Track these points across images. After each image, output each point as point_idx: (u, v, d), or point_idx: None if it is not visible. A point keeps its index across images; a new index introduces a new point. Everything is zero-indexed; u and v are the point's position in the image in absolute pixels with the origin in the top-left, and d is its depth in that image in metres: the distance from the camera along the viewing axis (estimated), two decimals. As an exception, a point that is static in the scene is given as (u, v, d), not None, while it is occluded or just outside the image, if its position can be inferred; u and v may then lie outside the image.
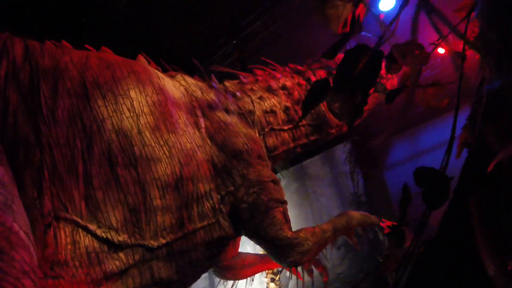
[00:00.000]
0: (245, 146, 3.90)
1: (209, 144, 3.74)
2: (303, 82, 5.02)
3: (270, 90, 4.73)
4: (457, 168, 1.76)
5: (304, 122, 4.71)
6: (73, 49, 3.41)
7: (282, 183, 5.28)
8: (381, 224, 3.99)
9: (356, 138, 7.92)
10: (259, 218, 3.70)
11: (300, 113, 4.65)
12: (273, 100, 4.64)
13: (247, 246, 4.42)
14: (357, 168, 7.91)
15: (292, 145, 4.64)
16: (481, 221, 1.39)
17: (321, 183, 8.16)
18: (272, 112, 4.56)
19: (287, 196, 4.57)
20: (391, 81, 5.09)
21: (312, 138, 4.78)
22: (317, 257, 4.26)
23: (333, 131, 4.92)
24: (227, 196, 3.67)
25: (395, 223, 1.62)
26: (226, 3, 6.42)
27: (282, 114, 4.62)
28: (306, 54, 7.08)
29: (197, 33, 6.82)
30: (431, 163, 1.68)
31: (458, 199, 1.63)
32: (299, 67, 5.18)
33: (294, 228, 4.09)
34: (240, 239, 4.15)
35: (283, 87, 4.83)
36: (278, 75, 4.95)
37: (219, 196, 3.62)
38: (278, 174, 7.29)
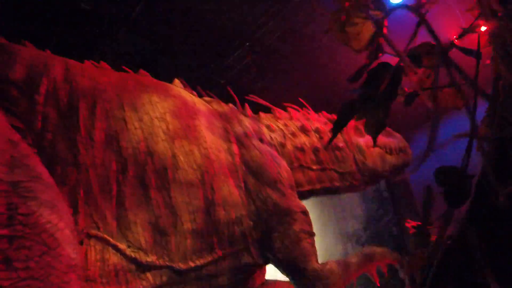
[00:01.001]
0: (279, 175, 3.99)
1: (244, 171, 3.79)
2: None
3: (303, 129, 4.95)
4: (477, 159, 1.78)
5: (331, 166, 4.90)
6: (112, 71, 3.52)
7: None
8: (406, 224, 4.05)
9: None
10: (289, 248, 3.74)
11: (327, 156, 4.92)
12: (304, 139, 4.85)
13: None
14: (378, 164, 7.88)
15: (318, 186, 4.78)
16: (483, 244, 1.43)
17: (342, 180, 8.14)
18: (302, 150, 4.75)
19: (308, 195, 4.69)
20: None
21: (336, 184, 4.93)
22: None
23: (357, 183, 5.08)
24: (260, 224, 3.71)
25: (420, 223, 1.66)
26: (238, 5, 6.46)
27: (311, 154, 4.80)
28: (320, 51, 7.13)
29: (210, 37, 6.87)
30: (451, 156, 1.70)
31: (479, 197, 1.65)
32: (335, 116, 5.36)
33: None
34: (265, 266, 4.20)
35: (316, 130, 5.06)
36: (312, 118, 5.24)
37: (251, 223, 3.65)
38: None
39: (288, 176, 4.13)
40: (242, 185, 3.69)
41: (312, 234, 3.99)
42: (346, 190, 5.12)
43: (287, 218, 3.81)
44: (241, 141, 3.96)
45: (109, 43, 6.36)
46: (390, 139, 5.54)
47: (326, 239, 8.33)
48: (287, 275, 3.91)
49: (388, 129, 5.54)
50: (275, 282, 4.58)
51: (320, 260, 4.01)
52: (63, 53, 3.43)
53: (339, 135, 5.06)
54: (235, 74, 7.58)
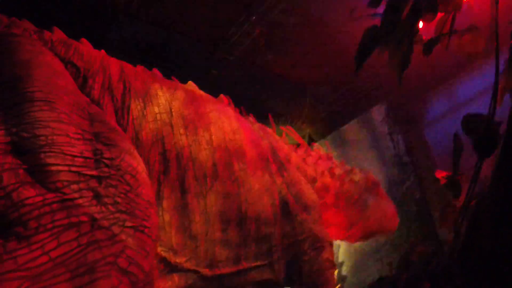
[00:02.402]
0: (313, 203, 4.20)
1: (284, 191, 3.93)
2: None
3: (330, 171, 5.26)
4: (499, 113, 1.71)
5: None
6: (163, 78, 3.67)
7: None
8: (436, 175, 4.14)
9: (391, 98, 7.78)
10: (316, 275, 3.90)
11: (340, 204, 5.27)
12: (329, 180, 5.15)
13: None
14: (396, 128, 7.77)
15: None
16: None
17: (361, 147, 8.07)
18: (327, 190, 5.06)
19: (328, 164, 4.84)
20: None
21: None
22: None
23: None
24: (294, 245, 3.85)
25: (450, 174, 1.60)
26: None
27: (332, 196, 5.11)
28: (325, 25, 7.02)
29: (215, 15, 6.80)
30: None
31: (508, 145, 1.58)
32: (354, 169, 5.82)
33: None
34: None
35: (339, 176, 5.36)
36: (335, 164, 5.59)
37: (285, 241, 3.78)
38: (317, 143, 7.29)
39: (318, 207, 4.34)
40: (277, 203, 3.80)
41: (335, 266, 4.17)
42: None
43: (319, 244, 3.98)
44: (283, 164, 4.18)
45: (111, 31, 6.32)
46: None
47: (348, 208, 8.28)
48: None
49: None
50: None
51: None
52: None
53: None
54: (243, 50, 7.50)
